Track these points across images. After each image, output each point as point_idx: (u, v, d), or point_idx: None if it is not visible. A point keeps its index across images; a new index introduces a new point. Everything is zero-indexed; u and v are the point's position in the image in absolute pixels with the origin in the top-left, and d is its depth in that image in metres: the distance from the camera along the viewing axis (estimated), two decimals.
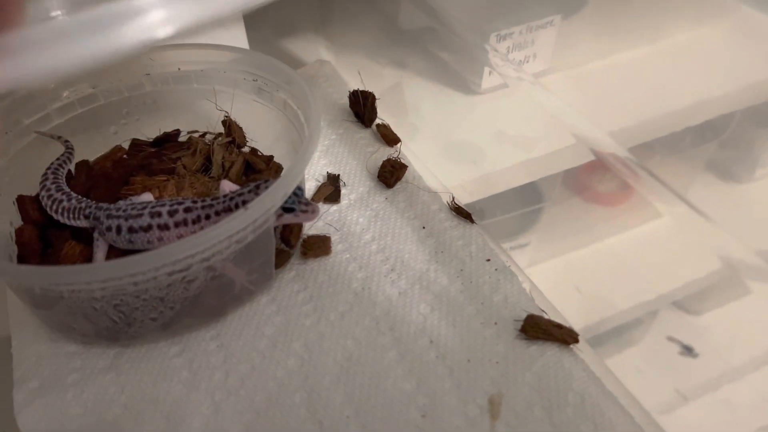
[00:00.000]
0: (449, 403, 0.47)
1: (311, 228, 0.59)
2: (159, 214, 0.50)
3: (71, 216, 0.54)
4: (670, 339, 0.71)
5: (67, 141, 0.59)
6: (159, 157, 0.63)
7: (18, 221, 0.58)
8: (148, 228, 0.50)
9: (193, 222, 0.49)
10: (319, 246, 0.57)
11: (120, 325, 0.49)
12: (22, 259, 0.55)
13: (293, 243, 0.57)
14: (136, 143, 0.66)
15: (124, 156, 0.65)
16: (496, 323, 0.52)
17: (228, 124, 0.64)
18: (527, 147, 0.70)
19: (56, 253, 0.55)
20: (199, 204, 0.50)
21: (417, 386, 0.48)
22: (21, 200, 0.58)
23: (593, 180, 0.95)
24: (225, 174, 0.61)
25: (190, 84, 0.64)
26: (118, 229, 0.51)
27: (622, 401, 0.48)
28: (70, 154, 0.59)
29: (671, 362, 0.60)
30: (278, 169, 0.64)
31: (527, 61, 0.77)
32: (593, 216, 1.01)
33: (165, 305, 0.48)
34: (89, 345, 0.52)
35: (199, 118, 0.66)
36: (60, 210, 0.54)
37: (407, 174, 0.65)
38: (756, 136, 0.94)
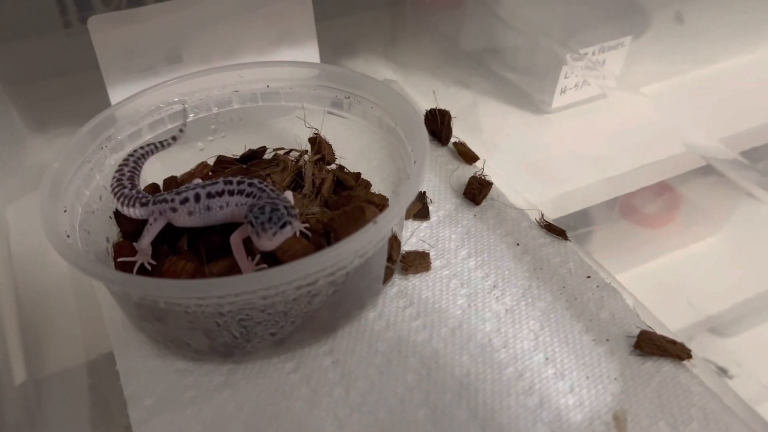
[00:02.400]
0: (574, 419, 0.47)
1: (406, 243, 0.59)
2: (230, 182, 0.52)
3: (126, 203, 0.54)
4: (706, 361, 0.71)
5: (181, 130, 0.61)
6: (247, 174, 0.63)
7: (113, 236, 0.58)
8: (222, 192, 0.52)
9: (247, 195, 0.52)
10: (420, 262, 0.57)
11: (239, 340, 0.48)
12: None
13: (395, 258, 0.57)
14: (221, 159, 0.66)
15: (210, 173, 0.65)
16: (607, 340, 0.52)
17: (318, 141, 0.64)
18: (604, 164, 0.71)
19: (158, 268, 0.55)
20: (256, 181, 0.52)
21: (540, 403, 0.48)
22: (118, 215, 0.57)
23: (638, 202, 0.96)
24: (317, 190, 0.61)
25: (278, 101, 0.64)
26: (197, 197, 0.52)
27: (741, 414, 0.48)
28: (160, 146, 0.59)
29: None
30: (366, 185, 0.64)
31: (597, 82, 0.77)
32: (639, 238, 1.02)
33: (287, 320, 0.48)
34: (200, 361, 0.51)
35: (285, 135, 0.67)
36: (120, 195, 0.55)
37: (491, 191, 0.66)
38: None
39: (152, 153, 0.58)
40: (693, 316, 0.88)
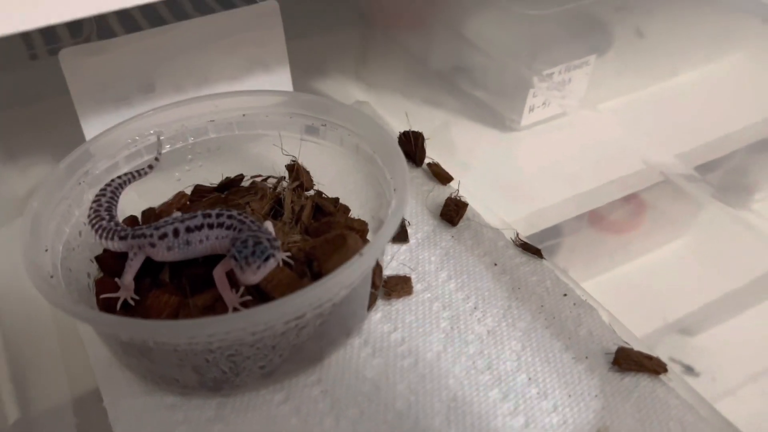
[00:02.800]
0: None
1: (387, 267, 0.60)
2: (209, 215, 0.53)
3: (104, 235, 0.54)
4: (672, 360, 0.73)
5: (156, 158, 0.61)
6: (226, 202, 0.64)
7: (94, 272, 0.58)
8: (201, 226, 0.52)
9: (227, 228, 0.52)
10: (402, 286, 0.58)
11: (228, 375, 0.49)
12: (104, 311, 0.55)
13: (377, 284, 0.58)
14: (199, 189, 0.66)
15: (188, 202, 0.65)
16: (587, 357, 0.54)
17: (296, 168, 0.64)
18: (574, 180, 0.73)
19: (141, 303, 0.55)
20: (235, 213, 0.53)
21: (526, 423, 0.49)
22: (99, 258, 0.58)
23: (604, 210, 0.98)
24: (296, 218, 0.62)
25: (255, 129, 0.65)
26: (176, 232, 0.52)
27: (717, 425, 0.50)
28: (137, 175, 0.59)
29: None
30: (345, 210, 0.64)
31: (564, 99, 0.80)
32: (606, 244, 1.05)
33: (275, 353, 0.49)
34: (189, 396, 0.51)
35: (261, 162, 0.67)
36: (98, 228, 0.55)
37: (467, 211, 0.67)
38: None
39: (129, 182, 0.58)
40: (660, 319, 0.91)
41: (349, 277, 0.46)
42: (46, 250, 0.52)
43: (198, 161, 0.66)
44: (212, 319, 0.43)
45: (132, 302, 0.54)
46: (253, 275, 0.48)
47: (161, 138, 0.61)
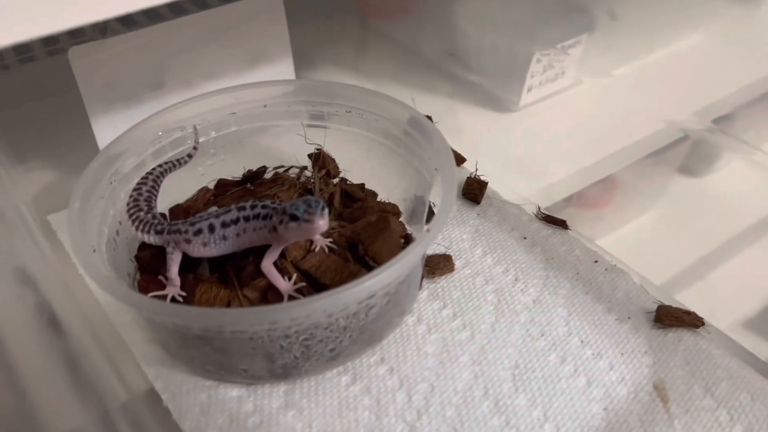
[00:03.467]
0: (621, 394, 0.51)
1: (428, 249, 0.61)
2: (243, 208, 0.52)
3: (141, 228, 0.54)
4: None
5: (195, 147, 0.60)
6: (253, 195, 0.63)
7: (132, 271, 0.57)
8: (237, 220, 0.52)
9: (263, 218, 0.51)
10: (444, 264, 0.60)
11: (299, 360, 0.49)
12: None
13: (424, 263, 0.59)
14: (222, 183, 0.66)
15: (212, 197, 0.65)
16: (629, 317, 0.56)
17: (321, 155, 0.65)
18: (577, 153, 0.76)
19: (189, 299, 0.54)
20: (269, 203, 0.52)
21: (588, 383, 0.51)
22: (138, 258, 0.57)
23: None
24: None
25: (277, 120, 0.65)
26: (211, 228, 0.52)
27: (757, 367, 0.53)
28: (177, 164, 0.59)
29: None
30: (373, 195, 0.65)
31: (557, 79, 0.83)
32: (582, 218, 1.09)
33: (345, 334, 0.49)
34: (254, 386, 0.51)
35: (283, 154, 0.67)
36: (135, 218, 0.54)
37: (486, 190, 0.69)
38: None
39: (169, 171, 0.58)
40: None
41: (417, 255, 0.47)
42: (94, 251, 0.50)
43: (220, 155, 0.65)
44: (295, 303, 0.44)
45: (180, 298, 0.54)
46: (322, 221, 0.47)
47: (197, 127, 0.60)
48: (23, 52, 0.78)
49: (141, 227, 0.54)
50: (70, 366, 0.53)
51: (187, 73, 0.70)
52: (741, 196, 1.01)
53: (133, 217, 0.54)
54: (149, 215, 0.54)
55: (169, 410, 0.50)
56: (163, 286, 0.54)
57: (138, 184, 0.55)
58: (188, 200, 0.64)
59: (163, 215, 0.62)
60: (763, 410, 0.50)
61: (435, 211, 0.64)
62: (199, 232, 0.51)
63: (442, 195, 0.51)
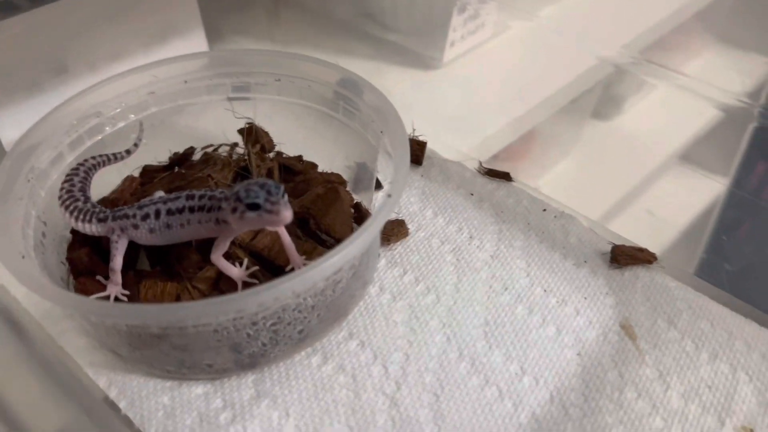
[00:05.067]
0: (590, 336, 0.51)
1: None
2: (192, 197, 0.48)
3: (82, 218, 0.50)
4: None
5: (136, 144, 0.56)
6: (184, 178, 0.59)
7: (63, 273, 0.52)
8: (182, 209, 0.48)
9: (208, 210, 0.47)
10: (398, 230, 0.58)
11: (267, 347, 0.46)
12: None
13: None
14: (148, 169, 0.61)
15: (139, 186, 0.60)
16: (585, 261, 0.57)
17: (254, 130, 0.61)
18: (508, 105, 0.75)
19: (133, 297, 0.50)
20: (217, 193, 0.48)
21: (558, 331, 0.51)
22: (71, 259, 0.52)
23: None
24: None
25: (200, 96, 0.61)
26: (157, 213, 0.48)
27: (710, 296, 0.55)
28: (113, 158, 0.54)
29: None
30: (312, 166, 0.62)
31: (478, 31, 0.82)
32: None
33: (314, 313, 0.47)
34: (219, 380, 0.48)
35: (209, 133, 0.63)
36: (73, 209, 0.50)
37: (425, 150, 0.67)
38: None
39: (103, 165, 0.53)
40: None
41: (382, 222, 0.45)
42: (23, 257, 0.45)
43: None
44: (262, 287, 0.41)
45: (124, 297, 0.50)
46: (287, 210, 0.43)
47: (141, 120, 0.55)
48: None
49: (81, 217, 0.49)
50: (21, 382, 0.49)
51: (92, 54, 0.64)
52: (650, 133, 1.04)
53: (71, 207, 0.49)
54: (88, 204, 0.49)
55: (129, 419, 0.46)
56: (102, 287, 0.50)
57: (68, 175, 0.51)
58: (114, 192, 0.59)
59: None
60: (724, 335, 0.52)
61: (379, 178, 0.62)
62: (146, 217, 0.47)
63: (396, 154, 0.49)
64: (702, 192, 0.78)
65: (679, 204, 0.93)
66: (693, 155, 0.79)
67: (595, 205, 0.83)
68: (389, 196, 0.46)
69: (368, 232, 0.43)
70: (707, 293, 0.55)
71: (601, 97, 1.09)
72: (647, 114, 1.12)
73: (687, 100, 0.82)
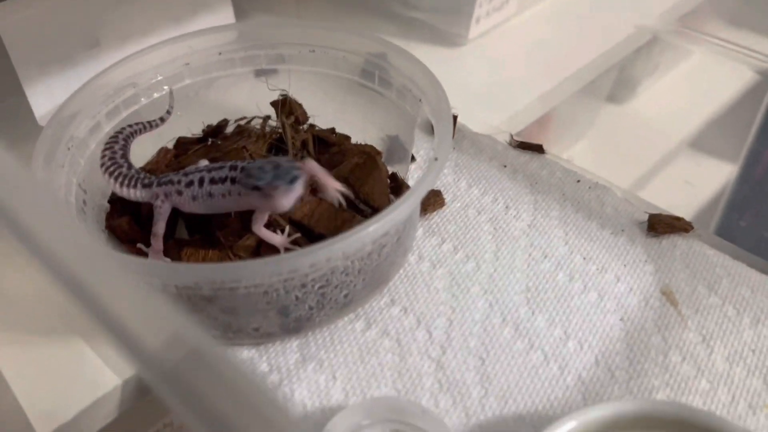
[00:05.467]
0: (632, 303, 0.51)
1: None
2: (235, 168, 0.48)
3: (126, 183, 0.50)
4: None
5: (168, 111, 0.56)
6: (219, 150, 0.59)
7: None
8: (225, 179, 0.48)
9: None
10: (435, 200, 0.58)
11: (313, 311, 0.46)
12: None
13: None
14: (182, 141, 0.61)
15: (173, 158, 0.60)
16: (623, 230, 0.57)
17: (288, 101, 0.61)
18: (536, 80, 0.75)
19: None
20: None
21: (599, 297, 0.51)
22: (112, 227, 0.52)
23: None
24: (302, 153, 0.59)
25: (234, 68, 0.61)
26: (201, 181, 0.48)
27: (748, 263, 0.55)
28: (149, 126, 0.54)
29: None
30: (346, 138, 0.62)
31: (503, 8, 0.81)
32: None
33: (360, 278, 0.47)
34: (262, 346, 0.48)
35: (243, 105, 0.63)
36: (117, 174, 0.50)
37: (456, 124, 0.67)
38: None
39: (140, 133, 0.53)
40: None
41: (428, 187, 0.45)
42: None
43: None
44: (315, 248, 0.41)
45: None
46: (285, 199, 0.44)
47: (172, 91, 0.56)
48: None
49: (126, 182, 0.50)
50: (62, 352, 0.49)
51: (123, 29, 0.64)
52: (667, 115, 1.05)
53: (115, 173, 0.49)
54: (132, 170, 0.50)
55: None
56: (144, 255, 0.50)
57: (108, 143, 0.51)
58: (149, 163, 0.59)
59: None
60: (765, 300, 0.52)
61: (413, 153, 0.62)
62: (190, 183, 0.47)
63: (440, 118, 0.49)
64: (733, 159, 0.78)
65: (711, 171, 0.93)
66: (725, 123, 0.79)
67: (624, 178, 0.83)
68: (436, 159, 0.46)
69: (416, 194, 0.43)
70: (746, 261, 0.55)
71: (617, 78, 1.09)
72: (664, 94, 1.12)
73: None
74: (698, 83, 1.10)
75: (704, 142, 1.04)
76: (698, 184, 0.87)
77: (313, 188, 0.55)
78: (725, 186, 0.93)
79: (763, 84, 0.88)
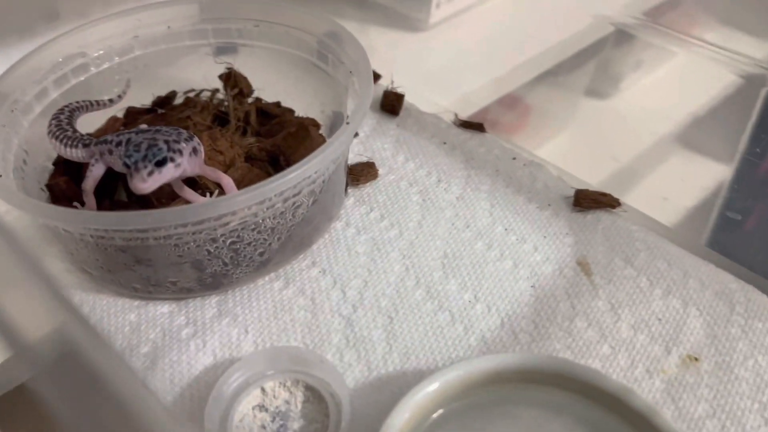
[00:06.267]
0: (547, 271, 0.53)
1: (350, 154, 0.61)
2: (159, 131, 0.48)
3: (69, 143, 0.51)
4: None
5: (120, 96, 0.59)
6: (165, 120, 0.61)
7: (44, 199, 0.54)
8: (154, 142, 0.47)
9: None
10: (368, 171, 0.60)
11: (229, 267, 0.48)
12: None
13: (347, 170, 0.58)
14: (131, 111, 0.63)
15: (122, 126, 0.62)
16: (549, 204, 0.58)
17: (233, 74, 0.63)
18: (490, 66, 0.77)
19: None
20: (183, 134, 0.48)
21: (514, 265, 0.53)
22: (50, 186, 0.54)
23: (494, 115, 1.04)
24: (244, 124, 0.61)
25: (182, 41, 0.63)
26: (128, 142, 0.47)
27: (671, 239, 0.56)
28: (96, 105, 0.57)
29: None
30: (289, 111, 0.64)
31: None
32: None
33: (273, 236, 0.49)
34: (184, 300, 0.50)
35: (191, 77, 0.65)
36: (62, 137, 0.52)
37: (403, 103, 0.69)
38: None
39: (87, 109, 0.56)
40: None
41: (339, 148, 0.47)
42: (0, 176, 0.48)
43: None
44: (218, 199, 0.43)
45: None
46: (143, 183, 0.43)
47: (129, 81, 0.59)
48: None
49: (68, 143, 0.52)
50: None
51: (83, 2, 0.67)
52: (644, 114, 1.05)
53: (60, 136, 0.52)
54: (77, 133, 0.52)
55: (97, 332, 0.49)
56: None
57: (54, 114, 0.53)
58: (98, 130, 0.61)
59: None
60: (679, 273, 0.53)
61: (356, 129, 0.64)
62: (119, 144, 0.49)
63: (361, 86, 0.51)
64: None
65: (678, 180, 0.93)
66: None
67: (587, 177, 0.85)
68: (347, 123, 0.47)
69: (323, 155, 0.45)
70: (669, 237, 0.56)
71: (600, 71, 1.09)
72: (647, 90, 1.12)
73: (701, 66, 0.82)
74: (681, 82, 1.10)
75: (691, 140, 1.04)
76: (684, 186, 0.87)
77: (248, 155, 0.57)
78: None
79: (748, 86, 0.88)
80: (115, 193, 0.56)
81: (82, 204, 0.53)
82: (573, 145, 1.13)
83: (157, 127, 0.50)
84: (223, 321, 0.49)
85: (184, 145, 0.45)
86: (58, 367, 0.46)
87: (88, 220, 0.43)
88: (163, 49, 0.63)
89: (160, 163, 0.44)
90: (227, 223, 0.45)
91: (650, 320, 0.50)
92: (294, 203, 0.48)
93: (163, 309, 0.50)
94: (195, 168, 0.47)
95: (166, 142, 0.44)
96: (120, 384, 0.35)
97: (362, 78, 0.52)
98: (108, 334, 0.49)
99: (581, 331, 0.49)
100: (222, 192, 0.51)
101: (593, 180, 0.80)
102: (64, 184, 0.54)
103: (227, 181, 0.48)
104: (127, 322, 0.49)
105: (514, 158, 0.63)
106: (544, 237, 0.55)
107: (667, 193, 0.65)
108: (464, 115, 0.73)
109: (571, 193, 0.59)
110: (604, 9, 0.88)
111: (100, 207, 0.53)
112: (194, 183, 0.52)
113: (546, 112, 1.15)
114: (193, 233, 0.45)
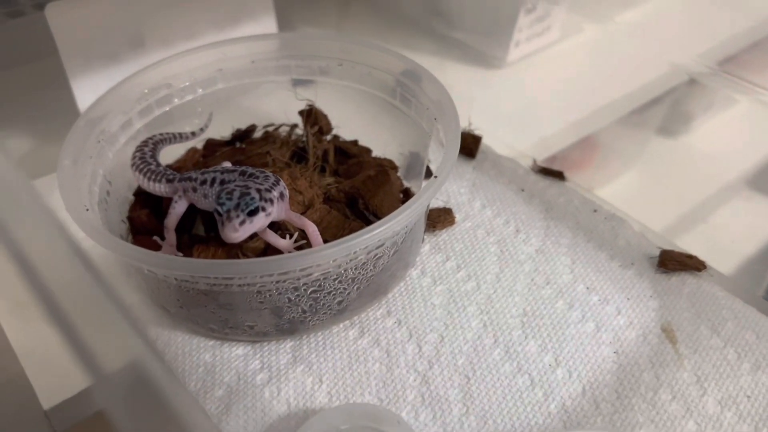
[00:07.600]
0: (630, 337, 0.51)
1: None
2: (244, 174, 0.49)
3: (153, 177, 0.52)
4: None
5: (202, 129, 0.60)
6: (244, 153, 0.61)
7: (123, 232, 0.55)
8: (234, 181, 0.48)
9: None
10: (445, 217, 0.59)
11: (307, 314, 0.48)
12: None
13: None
14: (210, 143, 0.64)
15: (201, 158, 0.63)
16: (632, 263, 0.56)
17: (313, 112, 0.63)
18: (569, 108, 0.75)
19: None
20: (268, 177, 0.48)
21: (597, 328, 0.51)
22: (131, 218, 0.55)
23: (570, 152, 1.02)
24: (322, 162, 0.61)
25: (266, 76, 0.63)
26: (213, 181, 0.49)
27: (758, 307, 0.54)
28: (179, 137, 0.58)
29: None
30: (367, 151, 0.64)
31: (544, 33, 0.82)
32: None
33: (353, 286, 0.48)
34: (259, 343, 0.50)
35: (271, 112, 0.65)
36: (146, 171, 0.53)
37: (480, 145, 0.68)
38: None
39: (170, 142, 0.56)
40: None
41: (426, 201, 0.46)
42: (87, 210, 0.48)
43: (207, 114, 0.63)
44: (305, 252, 0.42)
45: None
46: (234, 232, 0.43)
47: (211, 113, 0.60)
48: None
49: (152, 177, 0.53)
50: (66, 335, 0.51)
51: (167, 32, 0.67)
52: (721, 153, 1.02)
53: (144, 169, 0.53)
54: (160, 167, 0.53)
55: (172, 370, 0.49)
56: (158, 247, 0.52)
57: (138, 147, 0.54)
58: (177, 161, 0.62)
59: None
60: None
61: (431, 168, 0.63)
62: (204, 182, 0.49)
63: (448, 139, 0.50)
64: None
65: (744, 226, 0.90)
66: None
67: (653, 217, 0.82)
68: (435, 177, 0.46)
69: (410, 210, 0.44)
70: (756, 306, 0.54)
71: (670, 111, 1.07)
72: (718, 131, 1.09)
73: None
74: (750, 126, 1.07)
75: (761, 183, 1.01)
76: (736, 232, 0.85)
77: (327, 196, 0.56)
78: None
79: None
80: (193, 227, 0.56)
81: (163, 238, 0.53)
82: (641, 184, 1.10)
83: (243, 168, 0.50)
84: (298, 368, 0.48)
85: (274, 193, 0.45)
86: (132, 398, 0.46)
87: (177, 266, 0.42)
88: (245, 83, 0.63)
89: (252, 213, 0.44)
90: (310, 274, 0.44)
91: (738, 397, 0.47)
92: (376, 255, 0.47)
93: (238, 351, 0.49)
94: (281, 214, 0.47)
95: (258, 191, 0.44)
96: (194, 425, 0.35)
97: (449, 127, 0.51)
98: (183, 372, 0.48)
99: (665, 404, 0.47)
100: (301, 234, 0.51)
101: (661, 227, 0.78)
102: (145, 217, 0.54)
103: (312, 229, 0.48)
104: (202, 363, 0.49)
105: (595, 210, 0.61)
106: (628, 299, 0.53)
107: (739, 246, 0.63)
108: (539, 157, 0.72)
109: (654, 251, 0.57)
110: (680, 57, 0.86)
111: (179, 241, 0.53)
112: (275, 222, 0.52)
113: (613, 150, 1.13)
114: (277, 282, 0.44)
